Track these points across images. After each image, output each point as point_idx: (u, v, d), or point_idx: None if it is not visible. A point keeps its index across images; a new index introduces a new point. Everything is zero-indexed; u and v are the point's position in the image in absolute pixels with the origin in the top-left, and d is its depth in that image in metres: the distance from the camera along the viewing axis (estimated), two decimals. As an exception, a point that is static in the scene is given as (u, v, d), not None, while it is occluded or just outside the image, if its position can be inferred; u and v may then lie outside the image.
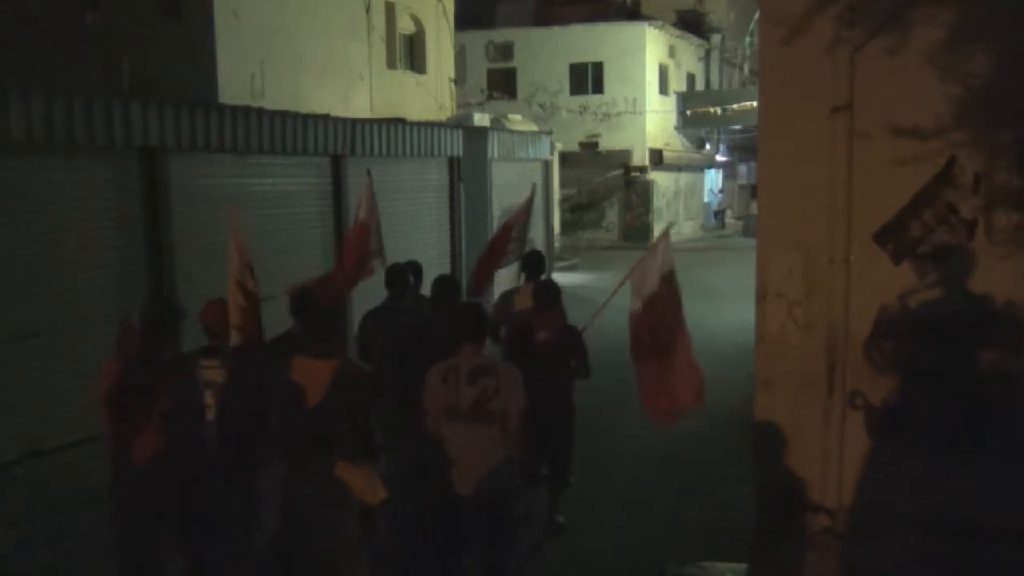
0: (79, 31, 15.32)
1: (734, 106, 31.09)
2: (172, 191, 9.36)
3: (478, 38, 31.17)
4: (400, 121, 14.13)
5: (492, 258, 7.77)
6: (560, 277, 17.42)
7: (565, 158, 25.31)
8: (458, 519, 4.58)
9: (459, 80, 24.24)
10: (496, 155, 16.57)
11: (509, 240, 7.82)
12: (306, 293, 5.37)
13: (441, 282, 6.06)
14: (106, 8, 15.52)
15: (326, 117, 11.98)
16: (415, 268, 6.65)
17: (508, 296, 6.67)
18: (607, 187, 31.10)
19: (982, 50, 4.51)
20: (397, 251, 11.56)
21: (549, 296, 6.03)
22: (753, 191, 31.89)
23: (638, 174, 31.25)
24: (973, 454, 4.66)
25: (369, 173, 7.66)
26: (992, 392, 4.63)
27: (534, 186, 10.08)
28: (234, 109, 10.51)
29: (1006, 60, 4.48)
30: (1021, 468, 4.59)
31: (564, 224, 26.88)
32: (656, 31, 31.85)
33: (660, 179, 32.25)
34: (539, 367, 5.41)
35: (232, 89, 14.72)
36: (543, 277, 6.89)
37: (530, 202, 8.41)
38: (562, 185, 23.12)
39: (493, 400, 4.51)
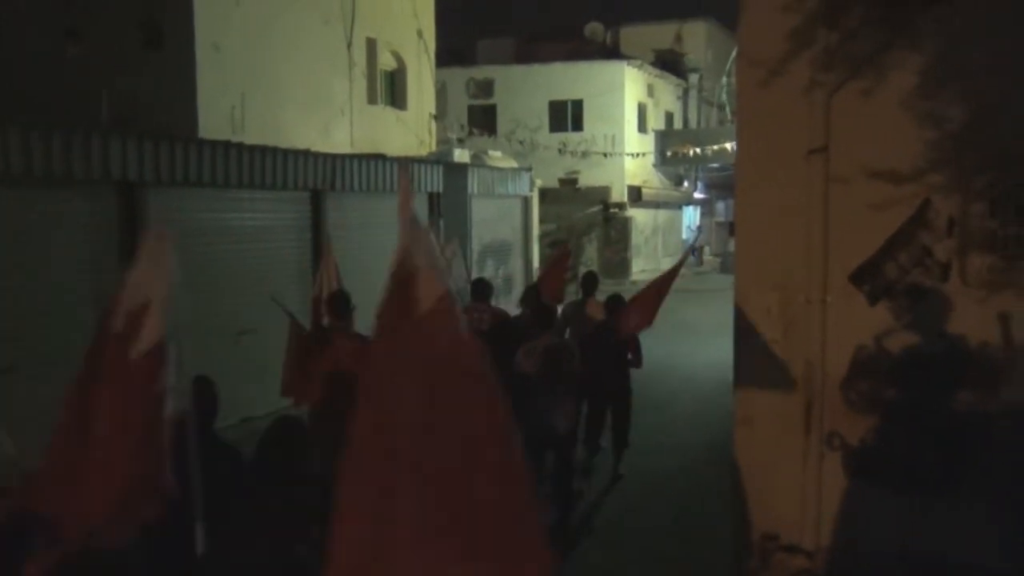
0: (60, 63, 15.29)
1: (714, 148, 31.42)
2: (150, 225, 9.30)
3: (459, 75, 31.40)
4: (380, 157, 14.16)
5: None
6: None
7: (544, 194, 25.44)
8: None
9: (440, 116, 24.35)
10: (476, 191, 16.62)
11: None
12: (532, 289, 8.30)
13: (482, 282, 8.75)
14: (88, 41, 15.51)
15: (306, 152, 11.99)
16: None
17: (578, 306, 8.63)
18: (586, 223, 31.25)
19: (956, 95, 4.59)
20: (377, 285, 11.42)
21: (619, 305, 8.22)
22: (731, 228, 32.12)
23: (617, 211, 31.44)
24: (950, 494, 4.68)
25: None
26: (968, 432, 4.65)
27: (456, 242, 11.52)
28: (213, 143, 10.50)
29: (979, 105, 4.56)
30: (997, 507, 4.60)
31: (544, 259, 26.95)
32: (635, 70, 32.23)
33: (639, 216, 32.45)
34: (608, 358, 7.79)
35: (212, 122, 14.70)
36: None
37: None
38: (541, 221, 23.20)
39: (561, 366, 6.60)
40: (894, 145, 4.69)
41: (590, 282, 8.95)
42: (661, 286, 7.95)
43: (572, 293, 9.72)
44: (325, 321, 6.84)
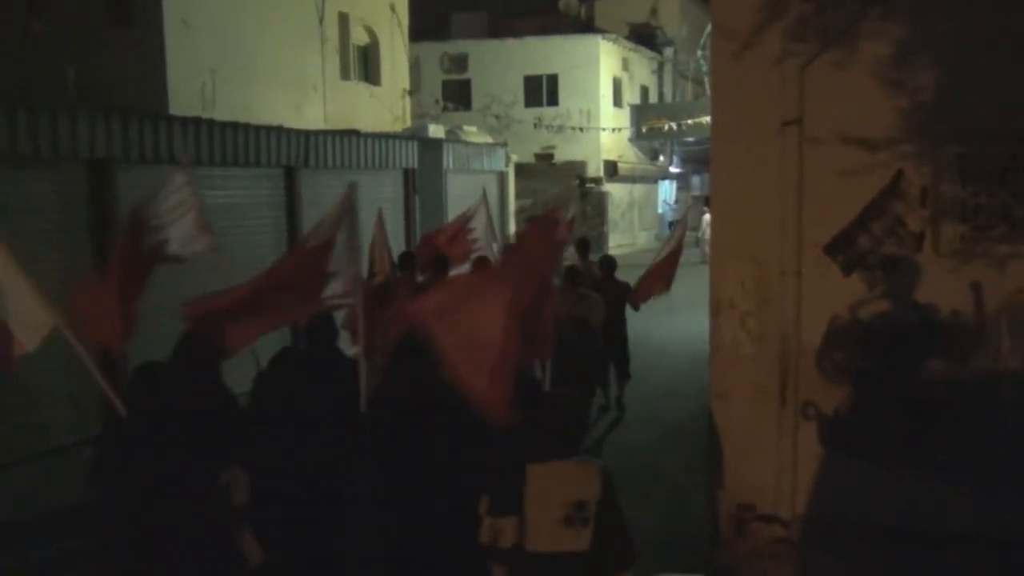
0: (24, 40, 15.00)
1: (689, 122, 31.41)
2: (120, 203, 9.15)
3: (433, 49, 31.13)
4: (354, 133, 14.03)
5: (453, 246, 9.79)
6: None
7: (520, 169, 25.34)
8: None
9: (414, 91, 24.17)
10: (451, 167, 16.53)
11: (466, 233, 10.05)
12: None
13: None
14: (53, 17, 15.23)
15: (279, 128, 11.85)
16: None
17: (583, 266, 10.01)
18: (562, 198, 31.23)
19: (928, 66, 4.60)
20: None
21: (611, 266, 9.86)
22: (706, 202, 32.16)
23: (593, 185, 31.41)
24: (923, 462, 4.73)
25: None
26: (940, 401, 4.70)
27: (484, 191, 11.27)
28: (184, 120, 10.35)
29: (951, 75, 4.58)
30: (969, 475, 4.66)
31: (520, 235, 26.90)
32: (610, 44, 32.10)
33: (615, 190, 32.45)
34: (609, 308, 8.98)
35: (182, 99, 14.51)
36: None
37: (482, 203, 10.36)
38: (517, 196, 23.13)
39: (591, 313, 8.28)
40: (867, 116, 4.69)
41: (585, 246, 10.94)
42: (671, 260, 9.17)
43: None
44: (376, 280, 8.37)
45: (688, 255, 10.45)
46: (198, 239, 5.64)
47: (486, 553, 3.62)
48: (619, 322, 9.68)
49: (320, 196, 12.17)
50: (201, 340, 4.74)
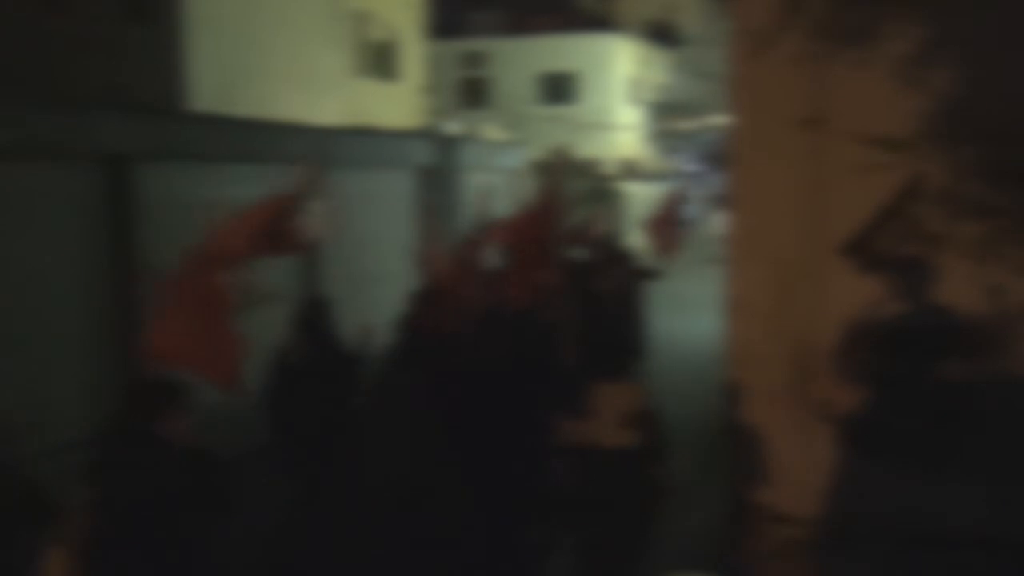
0: (43, 35, 15.10)
1: (706, 120, 31.35)
2: (139, 200, 9.21)
3: (450, 47, 31.15)
4: (371, 130, 14.06)
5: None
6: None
7: (537, 167, 25.38)
8: None
9: (431, 89, 24.20)
10: (467, 164, 16.54)
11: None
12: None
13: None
14: (72, 12, 15.32)
15: (296, 125, 11.90)
16: None
17: None
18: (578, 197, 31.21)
19: (948, 65, 4.57)
20: (366, 261, 11.49)
21: (631, 257, 10.38)
22: (720, 201, 32.03)
23: (609, 184, 31.39)
24: (940, 464, 4.70)
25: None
26: (958, 403, 4.67)
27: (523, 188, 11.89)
28: (203, 116, 10.41)
29: (972, 75, 4.54)
30: (987, 477, 4.63)
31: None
32: (627, 42, 32.04)
33: (631, 188, 32.40)
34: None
35: (201, 95, 14.58)
36: None
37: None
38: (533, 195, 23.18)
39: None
40: (887, 115, 4.67)
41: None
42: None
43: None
44: None
45: (701, 253, 10.44)
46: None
47: (562, 450, 5.07)
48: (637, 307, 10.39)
49: (337, 192, 12.20)
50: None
